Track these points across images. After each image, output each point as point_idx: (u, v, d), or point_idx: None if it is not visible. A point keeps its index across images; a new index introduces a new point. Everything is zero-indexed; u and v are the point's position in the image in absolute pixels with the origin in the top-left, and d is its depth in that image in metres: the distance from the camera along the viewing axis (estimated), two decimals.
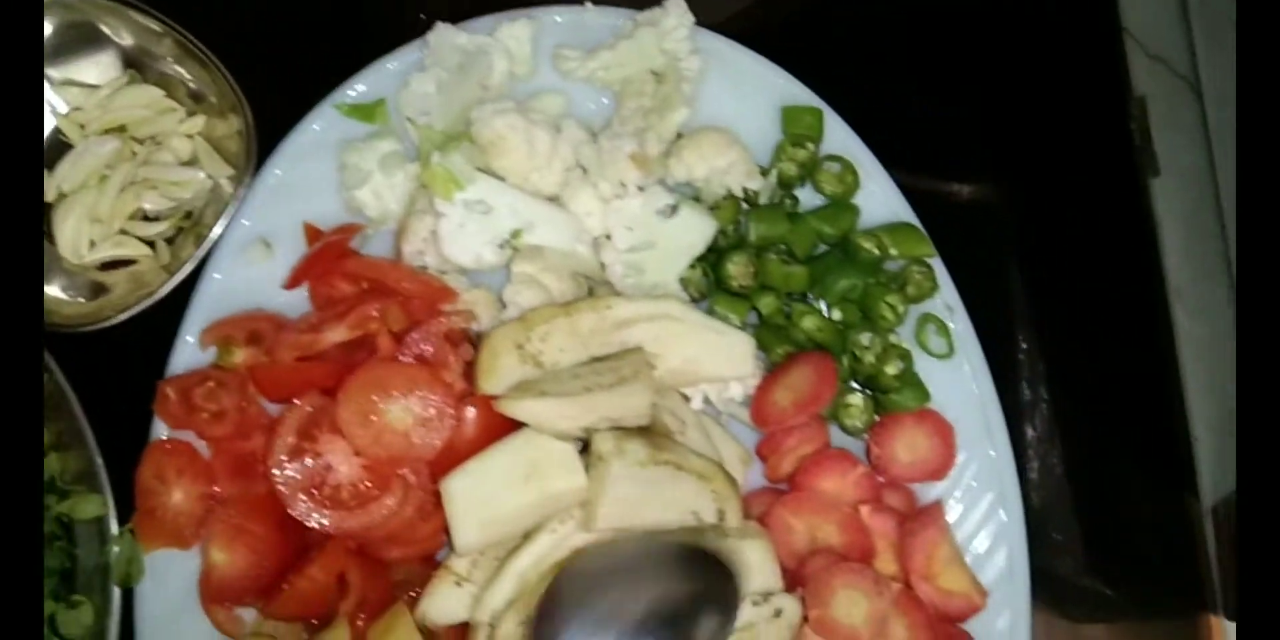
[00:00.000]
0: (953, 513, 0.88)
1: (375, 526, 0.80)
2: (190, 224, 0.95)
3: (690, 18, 0.90)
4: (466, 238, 0.85)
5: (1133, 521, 0.99)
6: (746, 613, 0.80)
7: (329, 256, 0.86)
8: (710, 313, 0.89)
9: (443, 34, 0.90)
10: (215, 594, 0.83)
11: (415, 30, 0.92)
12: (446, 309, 0.85)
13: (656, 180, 0.89)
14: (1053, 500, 0.98)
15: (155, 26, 0.92)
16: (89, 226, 0.93)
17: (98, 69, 0.96)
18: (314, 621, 0.83)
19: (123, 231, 0.94)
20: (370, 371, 0.80)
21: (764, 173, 0.91)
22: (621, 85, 0.91)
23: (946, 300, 0.90)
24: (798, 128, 0.91)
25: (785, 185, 0.91)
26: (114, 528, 0.83)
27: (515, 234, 0.86)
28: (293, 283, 0.88)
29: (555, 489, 0.79)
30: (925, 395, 0.88)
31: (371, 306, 0.82)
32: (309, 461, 0.81)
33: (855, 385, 0.90)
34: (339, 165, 0.90)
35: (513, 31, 0.91)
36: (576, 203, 0.88)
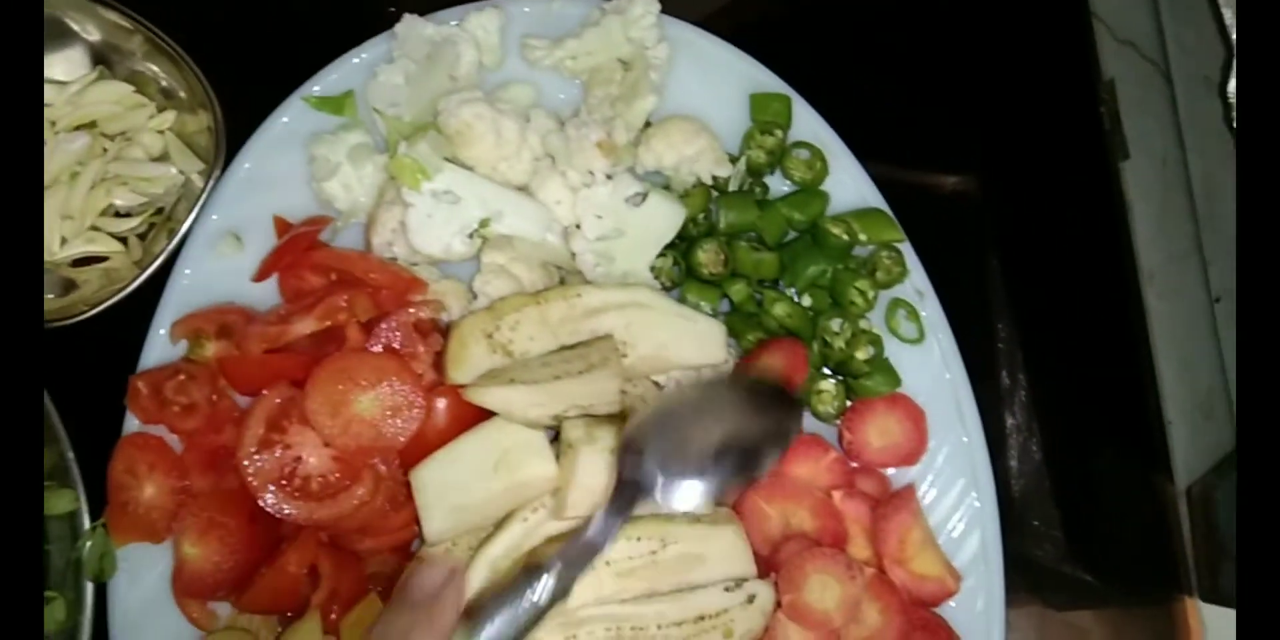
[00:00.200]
0: (926, 498, 0.88)
1: (346, 517, 0.80)
2: (162, 220, 0.95)
3: (656, 5, 0.90)
4: (435, 228, 0.85)
5: (1111, 507, 1.00)
6: (719, 599, 0.80)
7: (297, 248, 0.86)
8: (681, 300, 0.89)
9: (410, 25, 0.90)
10: (188, 588, 0.83)
11: (384, 23, 0.92)
12: (416, 299, 0.85)
13: (625, 168, 0.89)
14: (1031, 488, 0.98)
15: (124, 22, 0.92)
16: (60, 223, 0.93)
17: (67, 65, 0.96)
18: (287, 614, 0.83)
19: (94, 228, 0.94)
20: (339, 362, 0.81)
21: (733, 160, 0.91)
22: (589, 74, 0.92)
23: (916, 285, 0.91)
24: (766, 115, 0.91)
25: (754, 172, 0.91)
26: (86, 523, 0.83)
27: (484, 223, 0.86)
28: (262, 275, 0.88)
29: (526, 477, 0.79)
30: (896, 380, 0.88)
31: (340, 297, 0.82)
32: (278, 453, 0.81)
33: (826, 371, 0.90)
34: (308, 158, 0.90)
35: (481, 22, 0.91)
36: (545, 192, 0.88)
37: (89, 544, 0.83)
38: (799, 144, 0.92)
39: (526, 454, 0.79)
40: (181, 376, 0.85)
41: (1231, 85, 0.87)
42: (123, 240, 0.94)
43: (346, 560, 0.83)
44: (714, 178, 0.90)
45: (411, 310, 0.84)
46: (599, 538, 0.68)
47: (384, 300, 0.85)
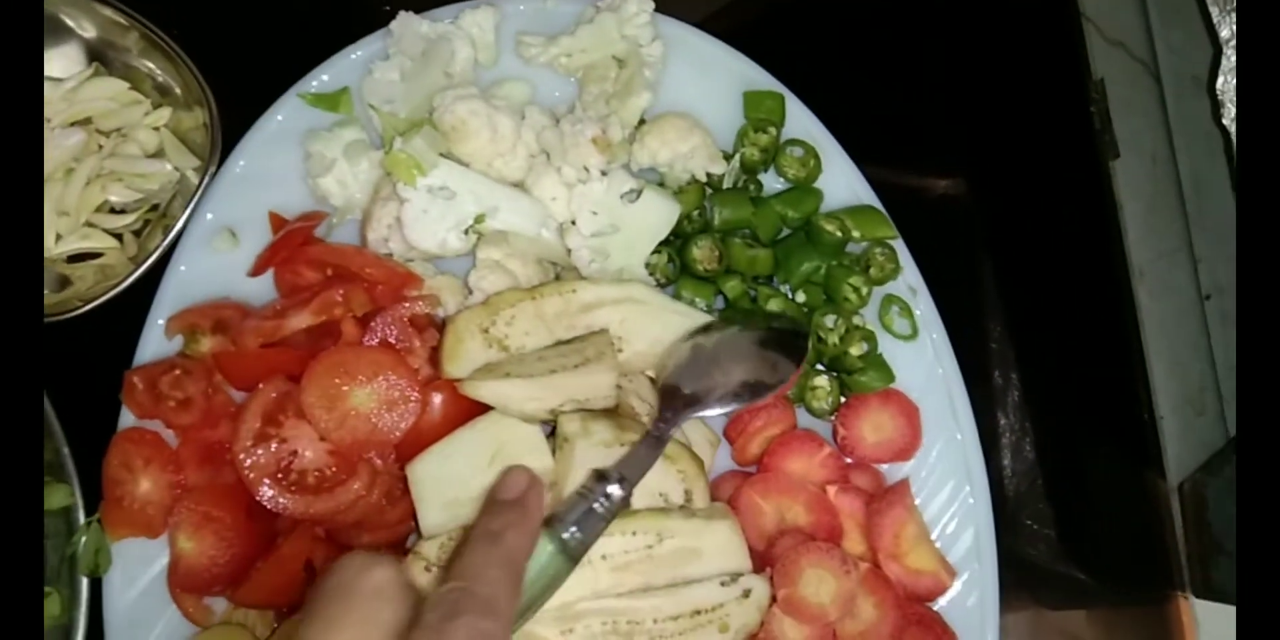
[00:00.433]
0: (920, 493, 0.88)
1: (342, 511, 0.80)
2: (157, 216, 0.95)
3: (650, 4, 0.91)
4: (430, 223, 0.85)
5: (1103, 504, 1.00)
6: (715, 593, 0.80)
7: (293, 244, 0.87)
8: (676, 296, 0.89)
9: (406, 22, 0.91)
10: (184, 583, 0.83)
11: (379, 20, 0.93)
12: (411, 294, 0.85)
13: (620, 165, 0.90)
14: (1024, 486, 0.99)
15: (120, 19, 0.92)
16: (55, 219, 0.93)
17: (62, 62, 0.96)
18: (284, 609, 0.83)
19: (89, 224, 0.94)
20: (334, 356, 0.81)
21: (727, 157, 0.92)
22: (584, 71, 0.92)
23: (909, 282, 0.91)
24: (759, 112, 0.92)
25: (748, 170, 0.92)
26: (81, 518, 0.83)
27: (479, 219, 0.86)
28: (257, 270, 0.88)
29: None
30: (890, 376, 0.89)
31: (335, 292, 0.83)
32: (274, 447, 0.81)
33: (821, 367, 0.90)
34: (303, 154, 0.90)
35: (476, 19, 0.91)
36: (541, 188, 0.88)
37: (84, 539, 0.82)
38: (792, 141, 0.92)
39: (522, 448, 0.79)
40: (177, 371, 0.85)
41: (1219, 84, 0.88)
42: (118, 236, 0.94)
43: (343, 555, 0.82)
44: (708, 175, 0.91)
45: (407, 305, 0.84)
46: (654, 447, 0.76)
47: (380, 295, 0.85)
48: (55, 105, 0.94)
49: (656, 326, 0.86)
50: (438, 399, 0.82)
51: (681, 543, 0.80)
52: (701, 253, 0.89)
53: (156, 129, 0.96)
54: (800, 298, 0.91)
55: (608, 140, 0.87)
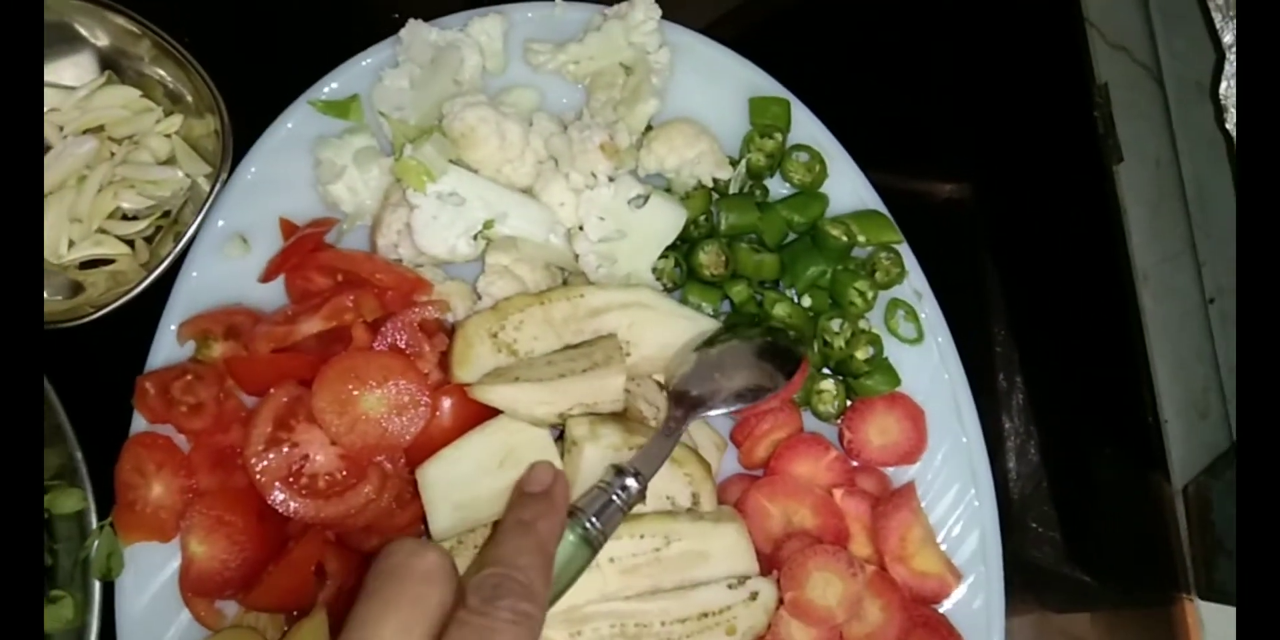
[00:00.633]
0: (925, 496, 0.89)
1: (353, 515, 0.81)
2: (169, 223, 0.96)
3: (657, 11, 0.91)
4: (440, 229, 0.86)
5: (1108, 507, 1.01)
6: (722, 596, 0.81)
7: (304, 250, 0.87)
8: (683, 301, 0.90)
9: (415, 30, 0.91)
10: (196, 586, 0.83)
11: (389, 28, 0.94)
12: (421, 300, 0.86)
13: (627, 171, 0.90)
14: (1030, 489, 0.99)
15: (132, 27, 0.93)
16: (68, 226, 0.94)
17: (75, 70, 0.97)
18: (294, 612, 0.84)
19: (101, 231, 0.95)
20: (345, 361, 0.81)
21: (733, 163, 0.92)
22: (592, 78, 0.93)
23: (915, 286, 0.92)
24: (765, 118, 0.92)
25: (754, 175, 0.93)
26: (94, 522, 0.84)
27: (488, 225, 0.87)
28: (268, 276, 0.89)
29: None
30: (896, 380, 0.89)
31: (346, 298, 0.83)
32: (286, 451, 0.81)
33: (827, 371, 0.91)
34: (314, 161, 0.91)
35: (484, 27, 0.92)
36: (549, 194, 0.89)
37: (96, 543, 0.83)
38: (798, 147, 0.93)
39: (532, 451, 0.80)
40: (189, 377, 0.85)
41: (1223, 89, 0.88)
42: (130, 243, 0.95)
43: (353, 558, 0.83)
44: (715, 180, 0.92)
45: (417, 310, 0.85)
46: (666, 443, 0.79)
47: (390, 301, 0.86)
48: (68, 113, 0.95)
49: (664, 331, 0.86)
50: (447, 403, 0.83)
51: (689, 546, 0.81)
52: (708, 257, 0.90)
53: (168, 136, 0.96)
54: (806, 302, 0.91)
55: (615, 146, 0.88)
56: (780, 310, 0.90)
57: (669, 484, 0.82)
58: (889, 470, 0.90)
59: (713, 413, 0.83)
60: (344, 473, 0.82)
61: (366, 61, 0.93)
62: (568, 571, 0.70)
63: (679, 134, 0.90)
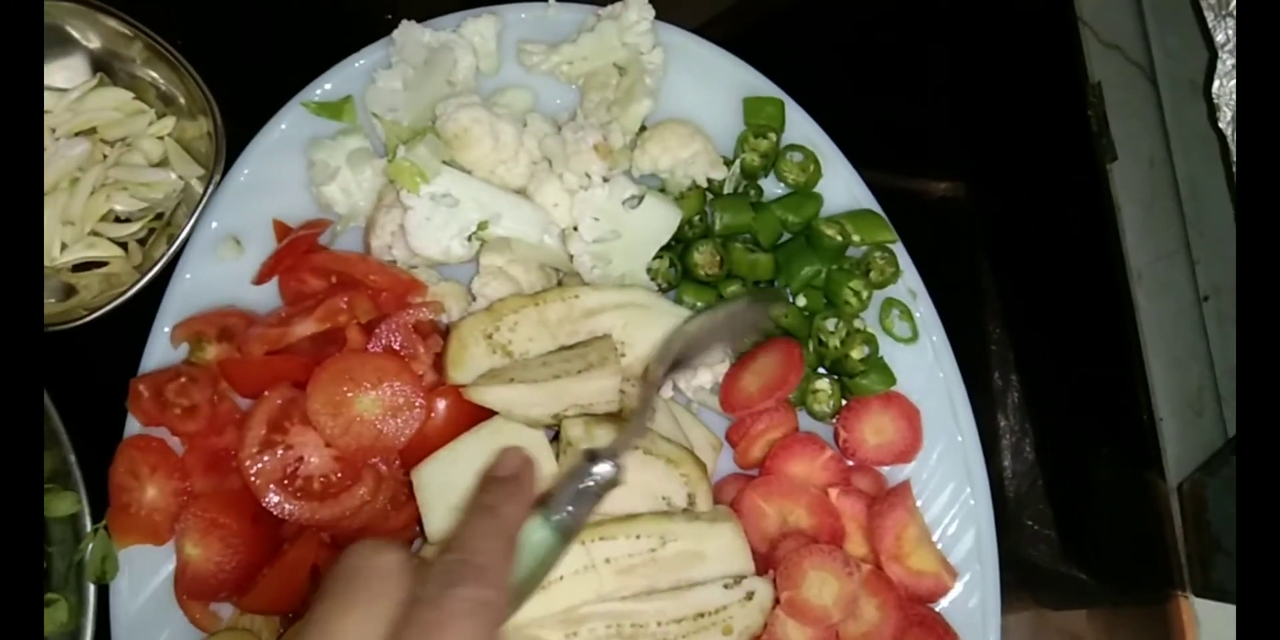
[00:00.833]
0: (921, 495, 0.89)
1: (348, 517, 0.81)
2: (162, 225, 0.96)
3: (651, 11, 0.91)
4: (433, 230, 0.86)
5: (1104, 505, 1.01)
6: (718, 596, 0.81)
7: (297, 252, 0.87)
8: (678, 301, 0.90)
9: (408, 31, 0.91)
10: (190, 589, 0.83)
11: (382, 29, 0.93)
12: (415, 301, 0.86)
13: (622, 171, 0.90)
14: (1024, 487, 0.99)
15: (124, 30, 0.93)
16: (60, 228, 0.94)
17: (67, 72, 0.96)
18: (289, 614, 0.84)
19: (94, 233, 0.95)
20: (339, 363, 0.81)
21: (728, 163, 0.92)
22: (585, 79, 0.93)
23: (909, 285, 0.92)
24: (759, 118, 0.92)
25: (749, 175, 0.93)
26: (88, 525, 0.84)
27: (482, 226, 0.87)
28: (262, 278, 0.89)
29: None
30: (891, 379, 0.89)
31: (340, 299, 0.83)
32: (280, 453, 0.81)
33: (822, 371, 0.91)
34: (307, 162, 0.91)
35: (477, 28, 0.92)
36: (543, 194, 0.89)
37: (91, 546, 0.83)
38: (792, 147, 0.93)
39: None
40: (183, 379, 0.85)
41: (1215, 87, 0.88)
42: (123, 245, 0.95)
43: None
44: (709, 180, 0.92)
45: (411, 312, 0.85)
46: (642, 421, 0.75)
47: (384, 302, 0.86)
48: (60, 115, 0.95)
49: (659, 331, 0.86)
50: (442, 405, 0.83)
51: (685, 546, 0.81)
52: (703, 258, 0.90)
53: (161, 138, 0.96)
54: (801, 302, 0.91)
55: (609, 147, 0.88)
56: (775, 310, 0.90)
57: (665, 484, 0.82)
58: (884, 469, 0.90)
59: (688, 376, 0.82)
60: (339, 475, 0.82)
61: (360, 63, 0.93)
62: (540, 558, 0.67)
63: (673, 134, 0.90)
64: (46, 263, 0.93)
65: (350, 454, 0.81)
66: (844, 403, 0.90)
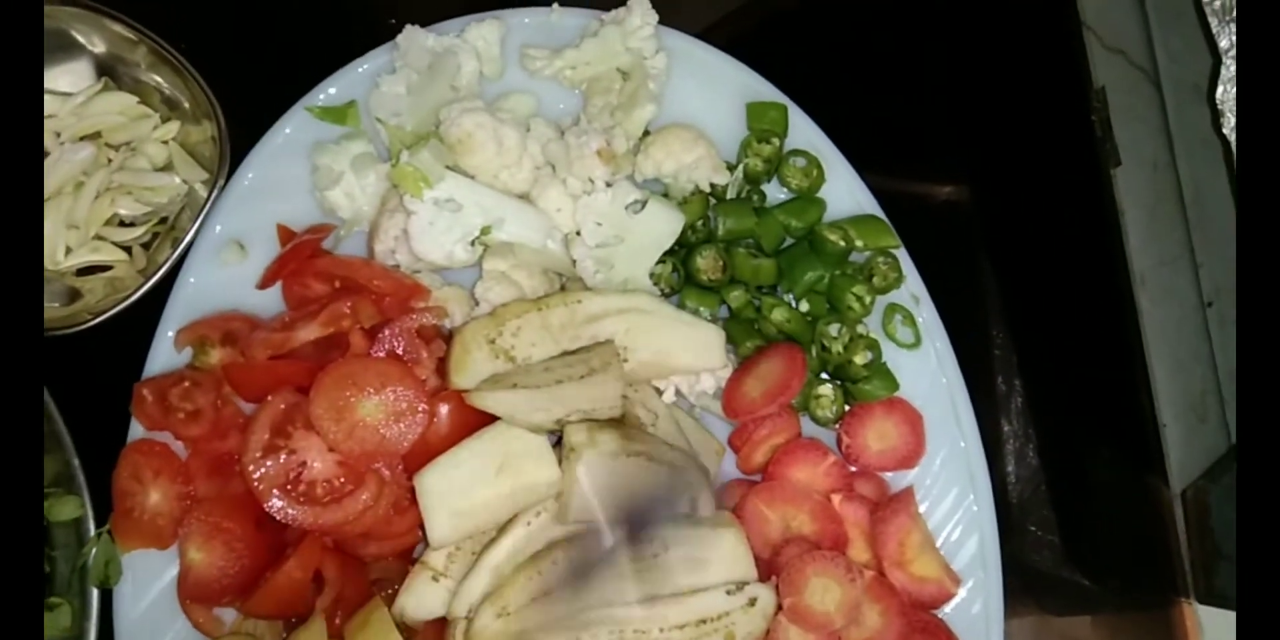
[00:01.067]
0: (924, 501, 0.89)
1: (350, 522, 0.81)
2: (166, 229, 0.96)
3: (654, 16, 0.91)
4: (437, 235, 0.86)
5: (1107, 511, 1.01)
6: (721, 602, 0.81)
7: (301, 256, 0.87)
8: (681, 306, 0.90)
9: (412, 36, 0.91)
10: (194, 593, 0.83)
11: (386, 34, 0.93)
12: (418, 306, 0.86)
13: (625, 176, 0.90)
14: (1028, 493, 0.99)
15: (129, 34, 0.93)
16: (65, 232, 0.94)
17: (72, 76, 0.97)
18: (292, 619, 0.84)
19: (99, 237, 0.95)
20: (343, 368, 0.81)
21: (731, 168, 0.92)
22: (588, 84, 0.93)
23: (912, 290, 0.92)
24: (762, 123, 0.92)
25: (752, 180, 0.93)
26: (92, 529, 0.84)
27: (485, 231, 0.87)
28: (266, 282, 0.89)
29: (528, 481, 0.80)
30: (894, 384, 0.89)
31: (343, 304, 0.83)
32: (283, 458, 0.81)
33: (825, 376, 0.91)
34: (311, 167, 0.91)
35: (481, 33, 0.92)
36: (546, 199, 0.89)
37: (94, 550, 0.83)
38: (795, 152, 0.93)
39: (529, 458, 0.80)
40: (186, 383, 0.85)
41: (1219, 93, 0.88)
42: (127, 249, 0.95)
43: (351, 565, 0.83)
44: (712, 185, 0.92)
45: (414, 316, 0.85)
46: None
47: (387, 307, 0.86)
48: (65, 119, 0.95)
49: (662, 336, 0.86)
50: (445, 410, 0.83)
51: (687, 551, 0.81)
52: (705, 263, 0.90)
53: (165, 142, 0.97)
54: (804, 307, 0.91)
55: (612, 152, 0.88)
56: (778, 315, 0.90)
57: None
58: (887, 475, 0.90)
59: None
60: (342, 479, 0.82)
61: (364, 67, 0.93)
62: None
63: (676, 139, 0.90)
64: (51, 266, 0.94)
65: (353, 459, 0.81)
66: (847, 408, 0.90)
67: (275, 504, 0.81)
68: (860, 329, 0.90)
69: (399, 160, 0.87)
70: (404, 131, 0.90)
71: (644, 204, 0.89)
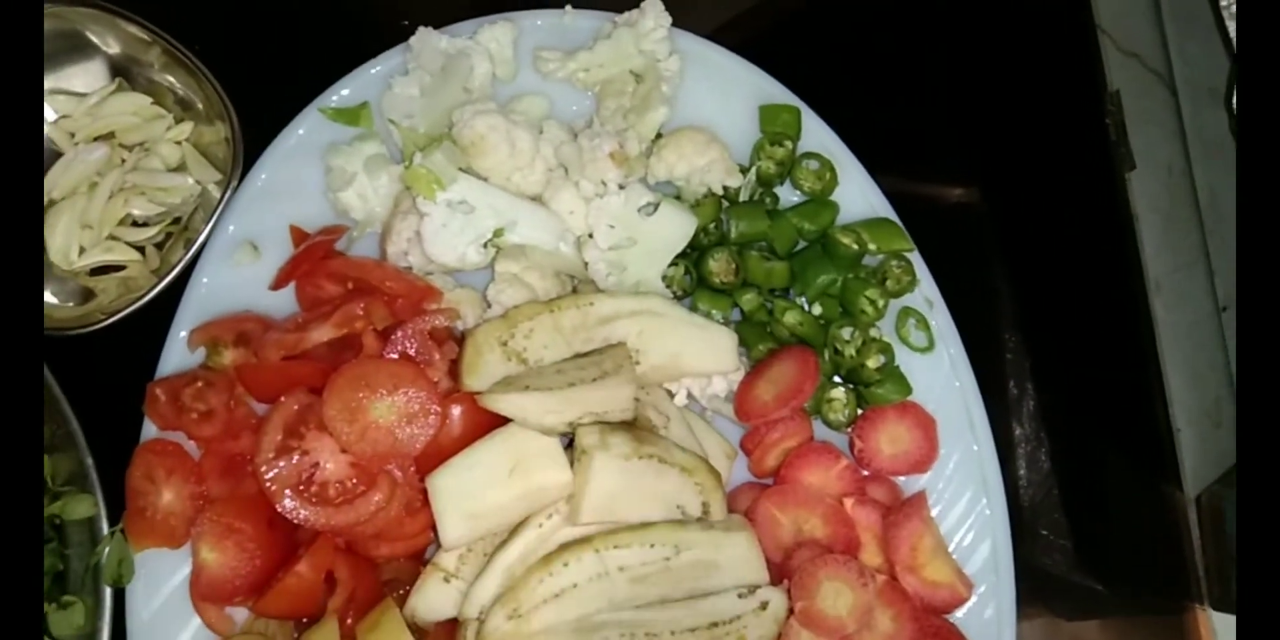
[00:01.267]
0: (937, 505, 0.89)
1: (363, 523, 0.81)
2: (179, 229, 0.96)
3: (667, 19, 0.91)
4: (450, 237, 0.86)
5: (1120, 516, 1.00)
6: (733, 605, 0.81)
7: (314, 257, 0.88)
8: (693, 309, 0.90)
9: (425, 38, 0.92)
10: (206, 593, 0.83)
11: (399, 36, 0.94)
12: (431, 308, 0.86)
13: (637, 179, 0.90)
14: (1041, 497, 0.99)
15: (142, 35, 0.93)
16: (79, 232, 0.94)
17: (86, 77, 0.97)
18: (304, 619, 0.84)
19: (112, 237, 0.95)
20: (356, 369, 0.81)
21: (743, 171, 0.92)
22: (601, 86, 0.93)
23: (926, 294, 0.91)
24: (775, 126, 0.92)
25: (765, 183, 0.93)
26: (105, 528, 0.84)
27: (498, 233, 0.87)
28: (279, 283, 0.89)
29: (540, 483, 0.80)
30: (907, 388, 0.89)
31: (356, 305, 0.83)
32: (296, 459, 0.81)
33: (838, 379, 0.91)
34: (324, 168, 0.91)
35: (494, 34, 0.92)
36: (559, 201, 0.89)
37: (107, 549, 0.83)
38: (808, 155, 0.93)
39: (541, 460, 0.80)
40: (199, 383, 0.85)
41: (1235, 96, 0.88)
42: (140, 250, 0.96)
43: (363, 566, 0.83)
44: (725, 188, 0.91)
45: (427, 318, 0.85)
46: None
47: (400, 308, 0.86)
48: (79, 120, 0.96)
49: (674, 339, 0.86)
50: (457, 411, 0.83)
51: (699, 555, 0.81)
52: (718, 265, 0.90)
53: (179, 143, 0.97)
54: (817, 310, 0.91)
55: (625, 154, 0.88)
56: (791, 318, 0.90)
57: (679, 492, 0.81)
58: (900, 479, 0.90)
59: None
60: (354, 480, 0.82)
61: (376, 69, 0.93)
62: None
63: (689, 141, 0.90)
64: (64, 266, 0.94)
65: (366, 460, 0.81)
66: (859, 412, 0.90)
67: (288, 504, 0.81)
68: (873, 332, 0.90)
69: (412, 162, 0.87)
70: (417, 133, 0.90)
71: (657, 206, 0.88)
